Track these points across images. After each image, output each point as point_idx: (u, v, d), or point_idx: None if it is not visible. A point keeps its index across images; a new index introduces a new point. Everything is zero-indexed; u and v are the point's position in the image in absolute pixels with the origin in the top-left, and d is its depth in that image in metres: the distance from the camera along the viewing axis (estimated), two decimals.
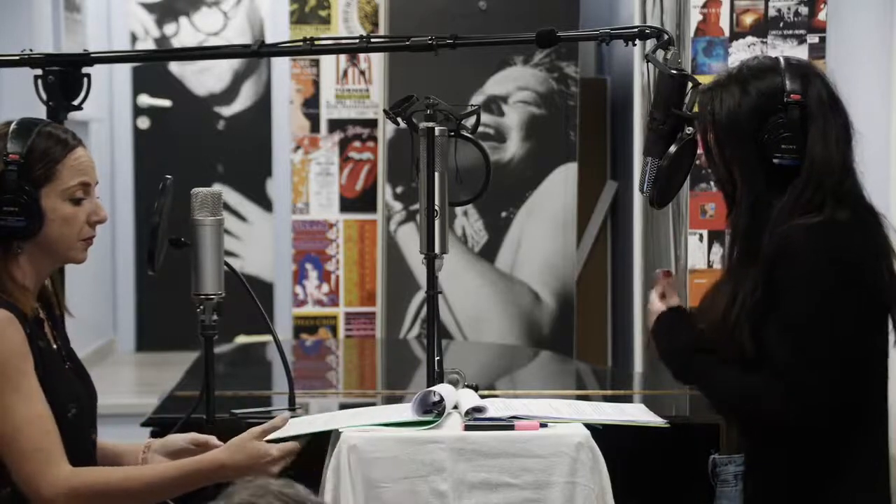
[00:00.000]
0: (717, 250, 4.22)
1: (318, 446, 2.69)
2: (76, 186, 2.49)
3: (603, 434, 2.62)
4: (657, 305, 2.61)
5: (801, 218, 2.38)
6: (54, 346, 2.55)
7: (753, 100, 2.44)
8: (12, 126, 2.49)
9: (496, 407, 2.67)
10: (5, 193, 2.43)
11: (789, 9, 4.20)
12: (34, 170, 2.46)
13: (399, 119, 2.97)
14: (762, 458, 2.47)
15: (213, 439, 2.60)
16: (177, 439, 2.64)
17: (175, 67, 7.61)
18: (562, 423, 2.63)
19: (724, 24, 4.22)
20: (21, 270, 2.49)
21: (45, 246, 2.49)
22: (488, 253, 5.67)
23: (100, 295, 7.35)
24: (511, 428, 2.59)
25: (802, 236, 2.36)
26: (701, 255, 4.25)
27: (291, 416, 2.89)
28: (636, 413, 2.79)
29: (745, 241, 2.46)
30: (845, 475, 2.41)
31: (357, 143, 5.94)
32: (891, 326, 2.45)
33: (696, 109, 2.58)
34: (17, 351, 2.40)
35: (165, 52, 6.58)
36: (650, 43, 2.82)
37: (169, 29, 7.62)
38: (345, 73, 5.94)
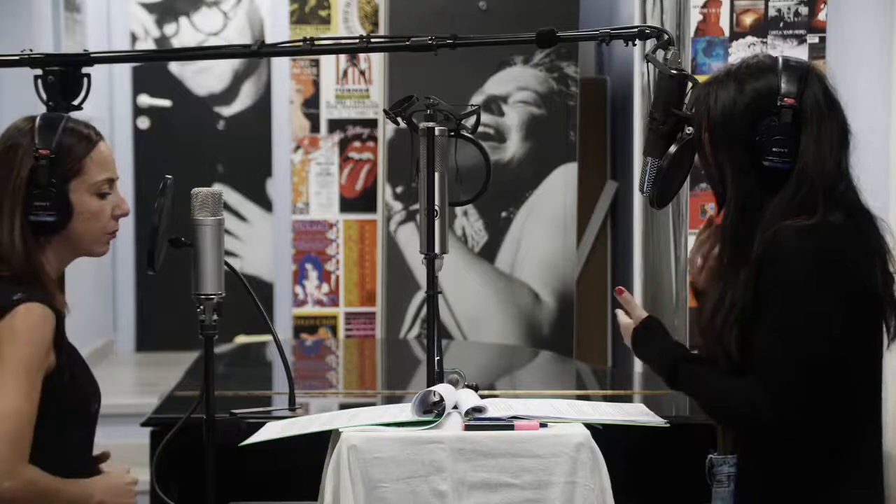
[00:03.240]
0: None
1: (318, 446, 2.70)
2: (102, 181, 2.56)
3: (603, 434, 2.62)
4: (626, 321, 2.61)
5: (791, 220, 2.37)
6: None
7: (748, 99, 2.42)
8: (38, 121, 2.55)
9: (496, 407, 2.67)
10: (37, 188, 2.49)
11: (789, 9, 4.20)
12: (63, 164, 2.51)
13: (399, 119, 2.97)
14: (756, 458, 2.46)
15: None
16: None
17: (175, 67, 7.61)
18: (562, 423, 2.63)
19: (724, 24, 4.22)
20: (49, 264, 2.54)
21: (71, 239, 2.55)
22: (488, 253, 5.67)
23: (100, 295, 7.35)
24: (511, 428, 2.58)
25: (792, 238, 2.35)
26: None
27: (291, 416, 2.90)
28: (636, 413, 2.79)
29: (734, 242, 2.44)
30: (839, 475, 2.40)
31: (357, 143, 5.95)
32: (884, 328, 2.44)
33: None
34: (41, 348, 2.43)
35: (165, 52, 6.57)
36: (650, 43, 2.82)
37: (169, 29, 7.61)
38: (345, 73, 5.95)
